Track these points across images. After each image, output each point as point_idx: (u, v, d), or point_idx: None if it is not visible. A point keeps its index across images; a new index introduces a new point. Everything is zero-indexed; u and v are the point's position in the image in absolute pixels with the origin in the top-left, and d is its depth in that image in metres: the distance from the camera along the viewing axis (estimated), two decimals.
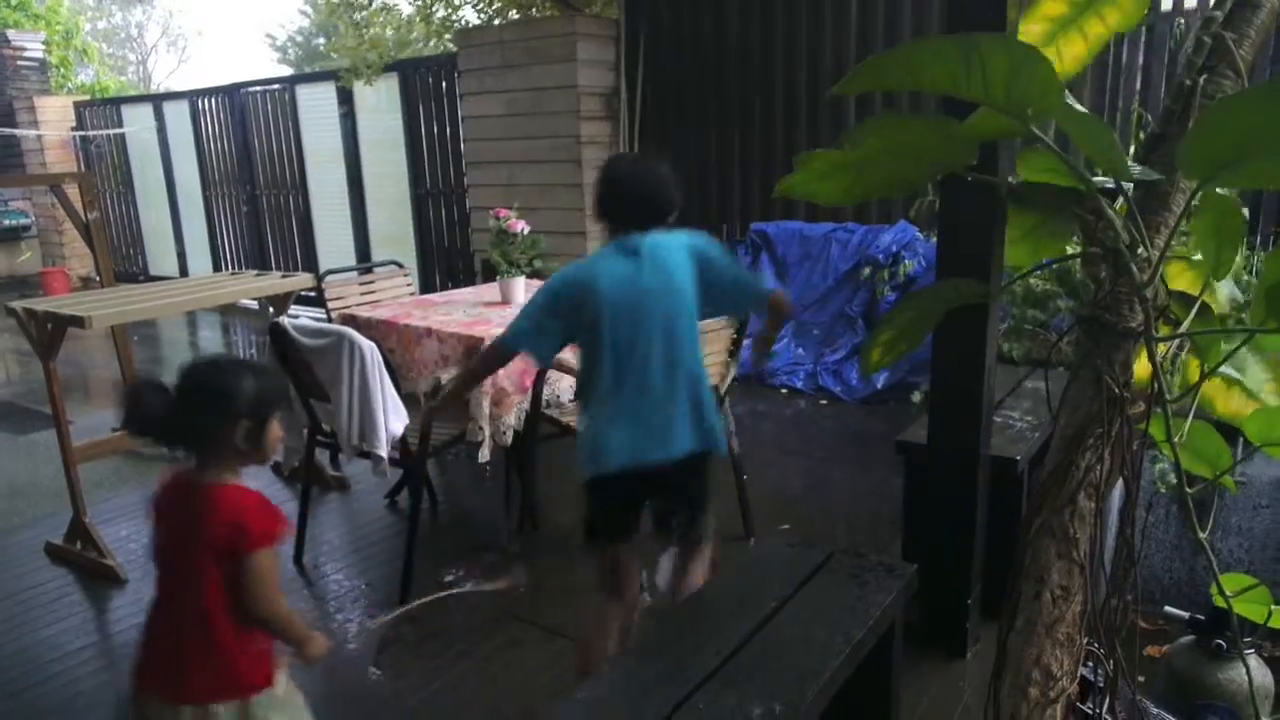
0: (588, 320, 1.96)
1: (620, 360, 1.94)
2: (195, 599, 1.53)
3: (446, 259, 7.28)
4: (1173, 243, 1.24)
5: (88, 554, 3.12)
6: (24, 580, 3.07)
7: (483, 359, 2.22)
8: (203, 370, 1.62)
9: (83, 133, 10.16)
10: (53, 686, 2.44)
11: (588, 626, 2.11)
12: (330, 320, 3.33)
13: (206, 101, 8.95)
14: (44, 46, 10.96)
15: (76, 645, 2.63)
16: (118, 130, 9.91)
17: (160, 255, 10.12)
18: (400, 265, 4.13)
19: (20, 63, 10.55)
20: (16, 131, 10.06)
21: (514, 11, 6.84)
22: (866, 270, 4.91)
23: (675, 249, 2.08)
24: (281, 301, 3.64)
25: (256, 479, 3.88)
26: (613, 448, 1.96)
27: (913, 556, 2.32)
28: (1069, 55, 1.24)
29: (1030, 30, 1.23)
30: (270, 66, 24.50)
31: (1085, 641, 1.42)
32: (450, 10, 7.14)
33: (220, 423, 1.56)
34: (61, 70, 11.53)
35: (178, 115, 9.28)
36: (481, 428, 2.76)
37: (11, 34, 10.66)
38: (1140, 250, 1.19)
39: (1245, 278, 3.07)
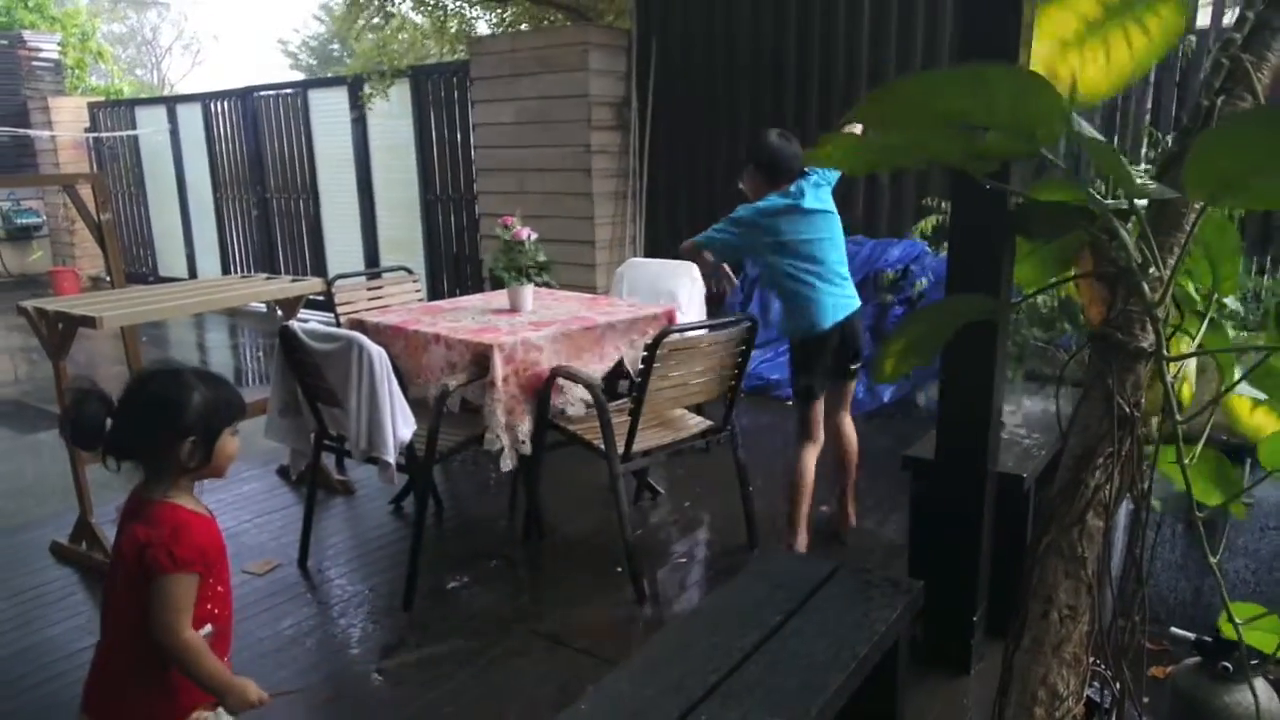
0: (773, 238, 2.83)
1: (811, 257, 2.84)
2: (121, 620, 1.48)
3: (455, 265, 7.30)
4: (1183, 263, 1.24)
5: (93, 554, 3.13)
6: (30, 579, 3.08)
7: (682, 252, 3.17)
8: (148, 381, 1.52)
9: (96, 134, 10.22)
10: (57, 686, 2.44)
11: (797, 471, 2.99)
12: (339, 325, 3.34)
13: (219, 105, 9.01)
14: (59, 48, 11.04)
15: (82, 645, 2.63)
16: (131, 132, 9.98)
17: (170, 257, 10.17)
18: (409, 271, 4.14)
19: (35, 63, 10.64)
20: (31, 132, 10.13)
21: (525, 24, 6.89)
22: (888, 286, 4.92)
23: (816, 185, 2.88)
24: (291, 305, 3.65)
25: (262, 480, 3.89)
26: (825, 313, 2.85)
27: (917, 572, 2.31)
28: (1087, 77, 1.24)
29: (1063, 28, 1.22)
30: (283, 72, 24.65)
31: (1091, 661, 1.41)
32: (463, 23, 7.19)
33: (165, 437, 1.46)
34: (76, 72, 11.61)
35: (190, 118, 9.33)
36: (499, 436, 2.76)
37: (27, 34, 10.75)
38: (1152, 270, 1.20)
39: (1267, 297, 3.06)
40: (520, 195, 6.00)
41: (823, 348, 2.90)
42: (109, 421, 1.45)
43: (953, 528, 2.27)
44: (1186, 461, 1.24)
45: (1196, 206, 1.25)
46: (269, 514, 3.57)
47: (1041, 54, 1.23)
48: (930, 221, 4.50)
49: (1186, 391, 1.44)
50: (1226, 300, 1.32)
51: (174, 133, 9.55)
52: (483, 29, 7.40)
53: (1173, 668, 2.26)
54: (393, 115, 7.43)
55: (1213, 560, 1.24)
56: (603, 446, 2.75)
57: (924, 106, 0.92)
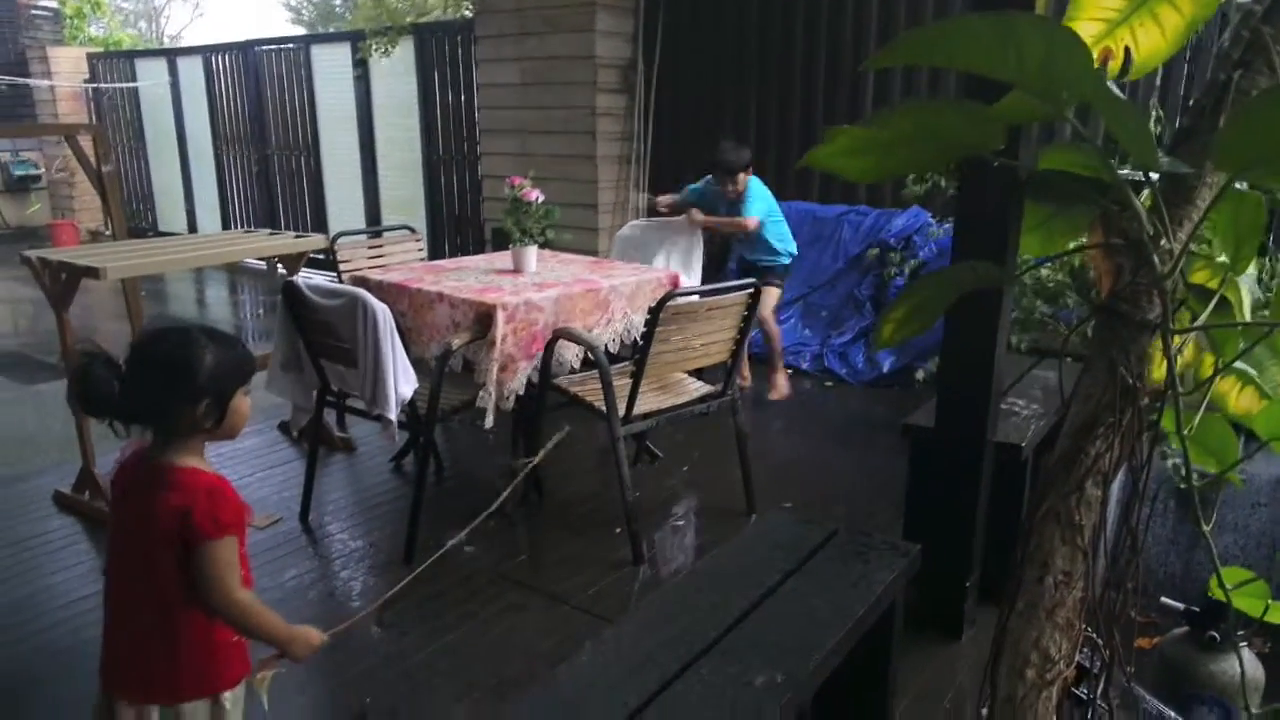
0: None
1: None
2: (153, 591, 1.42)
3: (456, 225, 7.27)
4: (1194, 241, 1.24)
5: (95, 503, 3.15)
6: (32, 528, 3.10)
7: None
8: (158, 341, 1.44)
9: (95, 85, 10.11)
10: (59, 632, 2.48)
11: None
12: (341, 282, 3.34)
13: (221, 58, 8.90)
14: (58, 1, 10.88)
15: (84, 593, 2.67)
16: (130, 84, 9.86)
17: (170, 211, 10.11)
18: (412, 230, 4.13)
19: (34, 12, 10.49)
20: (30, 81, 10.02)
21: None
22: (875, 251, 4.91)
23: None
24: (293, 262, 3.65)
25: (263, 435, 3.91)
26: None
27: (913, 538, 2.33)
28: (1145, 46, 1.23)
29: (1098, 9, 1.22)
30: (285, 27, 24.30)
31: (1083, 628, 1.44)
32: None
33: (178, 400, 1.40)
34: (75, 22, 11.45)
35: (191, 71, 9.23)
36: (489, 393, 2.78)
37: None
38: (1163, 242, 1.20)
39: (1268, 278, 3.06)
40: (524, 157, 5.96)
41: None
42: (116, 385, 1.38)
43: (950, 495, 2.30)
44: (1186, 432, 1.26)
45: (1212, 181, 1.25)
46: (270, 469, 3.59)
47: (1089, 34, 1.23)
48: (924, 186, 4.46)
49: (1190, 352, 1.45)
50: (1239, 280, 1.32)
51: (174, 86, 9.44)
52: None
53: (1160, 638, 2.30)
54: (396, 73, 7.36)
55: (1205, 529, 1.26)
56: (604, 408, 2.77)
57: (949, 54, 0.91)
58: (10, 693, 2.27)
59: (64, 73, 10.11)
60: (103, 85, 10.06)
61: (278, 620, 1.46)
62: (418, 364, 2.88)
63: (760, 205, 4.22)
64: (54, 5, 10.75)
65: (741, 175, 4.15)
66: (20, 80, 9.93)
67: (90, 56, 10.30)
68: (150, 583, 1.42)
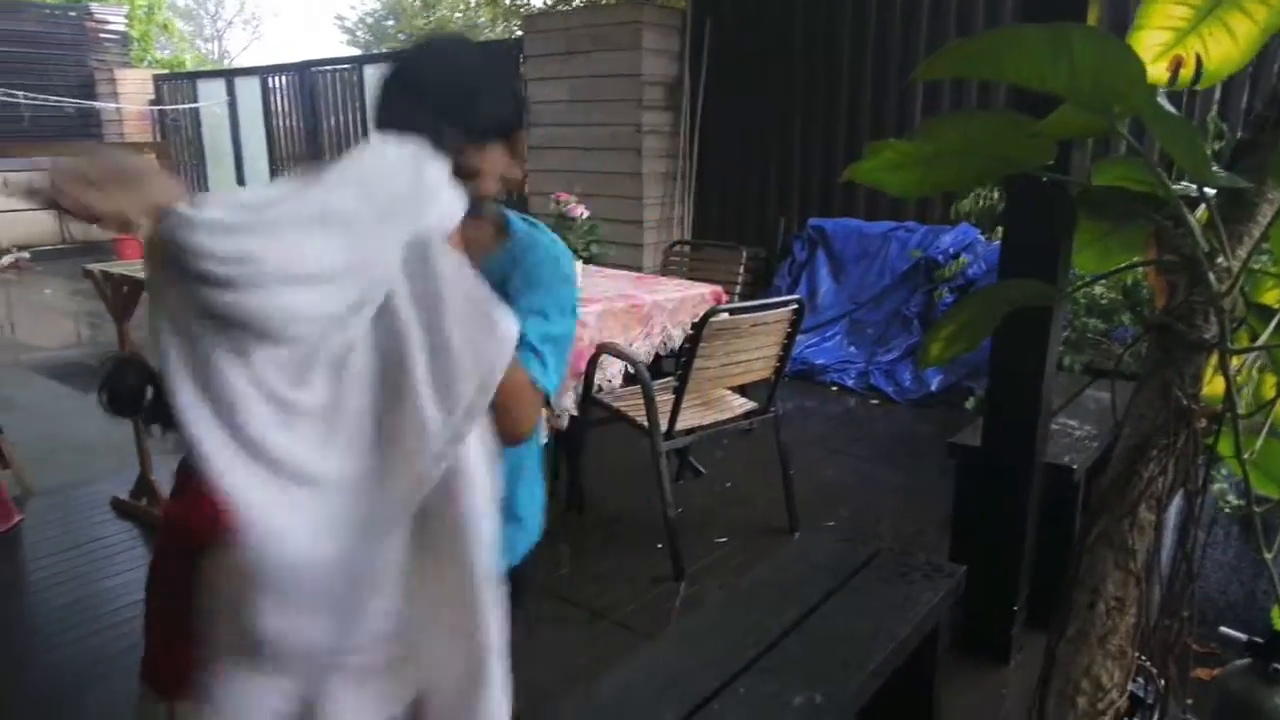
0: None
1: None
2: (175, 586, 1.42)
3: None
4: (1260, 257, 1.21)
5: (153, 510, 3.24)
6: (89, 533, 3.20)
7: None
8: None
9: (160, 106, 10.46)
10: (112, 635, 2.54)
11: None
12: None
13: (277, 79, 9.16)
14: (126, 20, 11.30)
15: (137, 597, 2.73)
16: (192, 105, 10.19)
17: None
18: None
19: (103, 35, 10.90)
20: (97, 103, 10.41)
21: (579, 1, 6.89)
22: (918, 252, 4.86)
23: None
24: None
25: None
26: None
27: (959, 560, 2.29)
28: (1216, 54, 1.21)
29: (1167, 18, 1.20)
30: (339, 47, 24.96)
31: (1137, 657, 1.39)
32: None
33: None
34: (142, 44, 11.88)
35: (249, 91, 9.50)
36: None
37: (95, 7, 11.01)
38: (1220, 260, 1.17)
39: None
40: (570, 173, 6.02)
41: None
42: (149, 390, 1.40)
43: (998, 516, 2.25)
44: (1247, 456, 1.22)
45: (1275, 197, 1.22)
46: None
47: (1159, 43, 1.21)
48: (970, 202, 4.40)
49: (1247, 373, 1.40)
50: None
51: (232, 105, 9.73)
52: (536, 2, 7.41)
53: (1220, 670, 2.21)
54: None
55: (1268, 555, 1.22)
56: (646, 424, 2.76)
57: (999, 64, 0.89)
58: (66, 692, 2.33)
59: (130, 94, 10.49)
60: (166, 106, 10.41)
61: None
62: None
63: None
64: (122, 28, 11.17)
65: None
66: (88, 103, 10.32)
67: (156, 78, 10.67)
68: (172, 579, 1.47)
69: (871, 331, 5.06)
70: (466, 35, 1.44)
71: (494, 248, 1.30)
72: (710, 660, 1.37)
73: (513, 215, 1.36)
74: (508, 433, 1.10)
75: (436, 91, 1.13)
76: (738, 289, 3.79)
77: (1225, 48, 1.21)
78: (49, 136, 10.08)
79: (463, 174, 1.04)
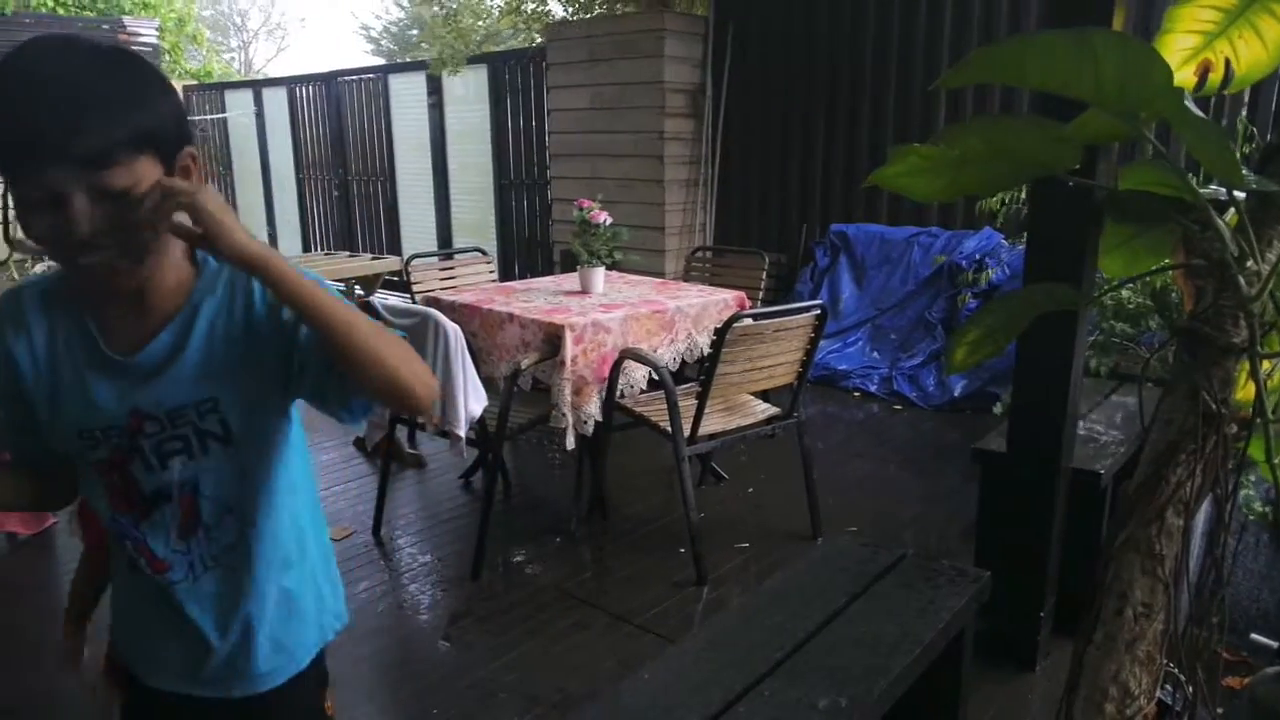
0: None
1: None
2: None
3: (526, 248, 7.41)
4: None
5: None
6: None
7: None
8: None
9: (190, 117, 10.62)
10: None
11: None
12: (414, 302, 3.43)
13: (304, 89, 9.27)
14: (158, 33, 11.49)
15: None
16: (220, 115, 10.35)
17: (254, 234, 10.52)
18: (483, 252, 4.22)
19: (135, 48, 11.09)
20: None
21: (600, 6, 6.92)
22: (942, 258, 4.83)
23: None
24: (370, 282, 3.77)
25: (339, 451, 4.03)
26: None
27: (985, 566, 2.28)
28: (1246, 58, 1.20)
29: (1194, 21, 1.20)
30: (363, 57, 25.22)
31: (1165, 663, 1.38)
32: (539, 3, 7.26)
33: None
34: (173, 56, 12.09)
35: (276, 101, 9.63)
36: (565, 415, 2.82)
37: (128, 20, 11.21)
38: (1249, 264, 1.16)
39: None
40: (593, 180, 6.05)
41: None
42: None
43: (1023, 522, 2.24)
44: (1278, 460, 1.21)
45: None
46: (345, 483, 3.70)
47: (1187, 47, 1.20)
48: (996, 202, 4.36)
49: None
50: None
51: (259, 115, 9.87)
52: (557, 9, 7.46)
53: (1250, 678, 2.19)
54: (468, 101, 7.56)
55: None
56: (669, 429, 2.78)
57: (1023, 70, 0.89)
58: None
59: None
60: (195, 117, 10.58)
61: None
62: (488, 383, 2.94)
63: None
64: (154, 41, 11.36)
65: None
66: None
67: (185, 89, 10.85)
68: None
69: (895, 337, 5.04)
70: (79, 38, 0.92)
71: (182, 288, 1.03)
72: (735, 663, 1.37)
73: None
74: (422, 389, 1.02)
75: (53, 89, 0.85)
76: (760, 295, 3.80)
77: (1255, 52, 1.21)
78: None
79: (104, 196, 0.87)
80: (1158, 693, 1.40)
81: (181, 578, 1.07)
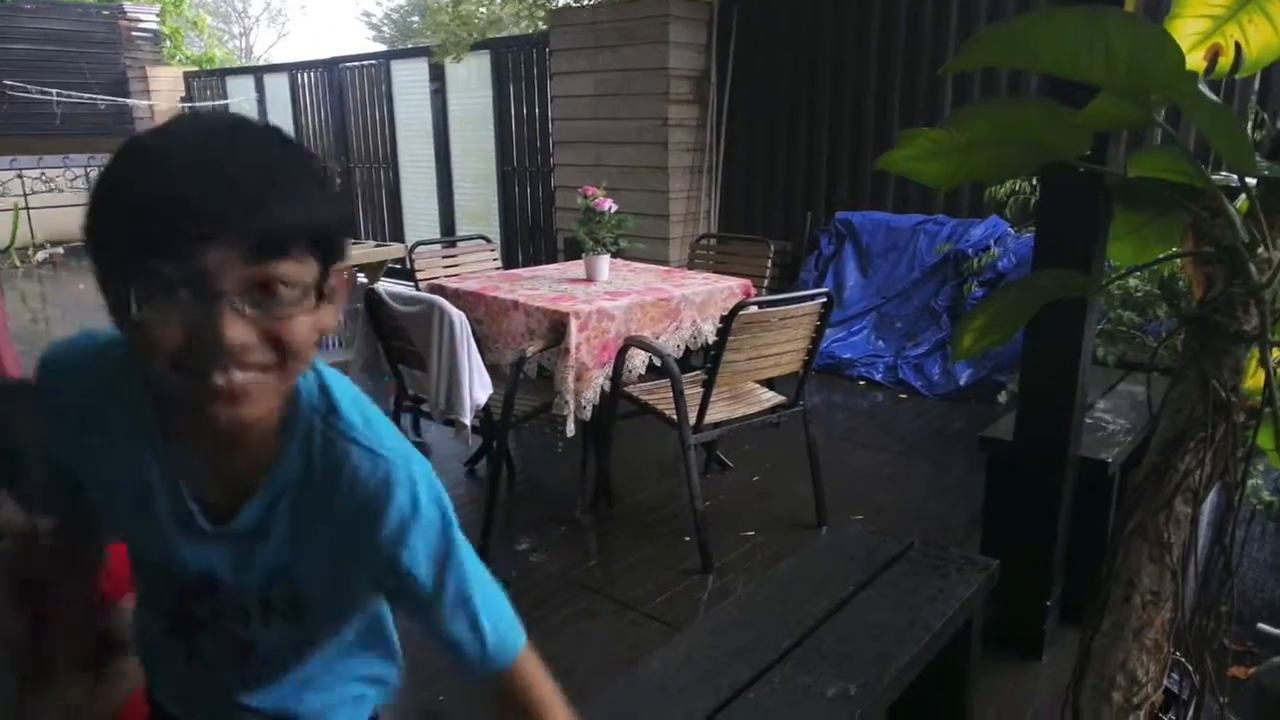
0: None
1: None
2: None
3: (529, 236, 7.39)
4: None
5: None
6: None
7: None
8: None
9: (191, 104, 10.60)
10: None
11: None
12: (418, 290, 3.43)
13: (305, 75, 9.24)
14: (158, 18, 11.46)
15: None
16: (222, 101, 10.32)
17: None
18: (487, 240, 4.22)
19: (135, 34, 11.06)
20: (130, 101, 10.56)
21: None
22: (947, 246, 4.82)
23: None
24: (374, 270, 3.76)
25: None
26: None
27: (990, 555, 2.28)
28: (1257, 41, 1.19)
29: (1205, 5, 1.18)
30: (365, 43, 25.15)
31: (1171, 651, 1.39)
32: None
33: None
34: (173, 41, 12.05)
35: (277, 88, 9.60)
36: (567, 401, 2.82)
37: (128, 6, 11.18)
38: (1260, 250, 1.15)
39: None
40: (596, 168, 6.03)
41: None
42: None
43: (1030, 511, 2.24)
44: None
45: None
46: None
47: (1196, 31, 1.19)
48: (1004, 190, 4.34)
49: None
50: None
51: (261, 102, 9.84)
52: None
53: (1256, 668, 2.19)
54: (471, 87, 7.53)
55: None
56: (674, 417, 2.77)
57: (1033, 52, 0.88)
58: None
59: (163, 91, 10.64)
60: (197, 103, 10.55)
61: None
62: (493, 370, 2.94)
63: None
64: (155, 26, 11.33)
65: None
66: (121, 100, 10.48)
67: (187, 75, 10.82)
68: None
69: (900, 325, 5.03)
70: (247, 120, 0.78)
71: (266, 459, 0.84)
72: (744, 651, 1.38)
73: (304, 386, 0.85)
74: None
75: (228, 158, 0.70)
76: (765, 283, 3.79)
77: (1265, 35, 1.19)
78: (81, 134, 10.25)
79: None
80: (1165, 681, 1.40)
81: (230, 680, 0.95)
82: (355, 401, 0.87)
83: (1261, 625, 2.12)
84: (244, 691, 0.94)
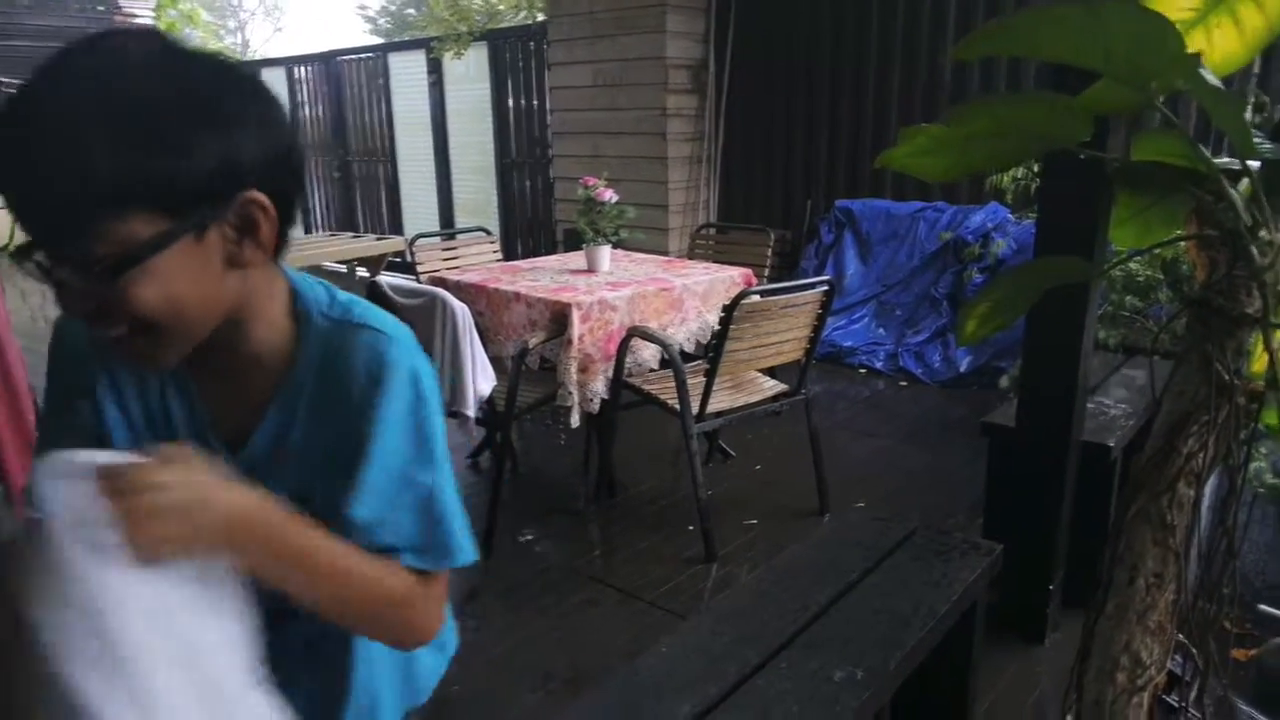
0: None
1: None
2: None
3: (529, 228, 7.39)
4: None
5: None
6: None
7: None
8: None
9: None
10: None
11: None
12: (420, 283, 3.43)
13: (303, 69, 9.21)
14: (154, 12, 11.41)
15: None
16: None
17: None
18: (487, 232, 4.22)
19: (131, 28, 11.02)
20: None
21: None
22: (947, 234, 4.82)
23: None
24: (373, 263, 3.76)
25: None
26: None
27: (993, 540, 2.30)
28: (1221, 48, 1.19)
29: (1175, 8, 1.18)
30: (361, 37, 25.07)
31: (1175, 633, 1.40)
32: None
33: None
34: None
35: (274, 82, 9.56)
36: (570, 393, 2.83)
37: (123, 1, 11.14)
38: (1263, 233, 1.16)
39: None
40: (595, 159, 6.02)
41: None
42: None
43: (1032, 496, 2.25)
44: None
45: None
46: None
47: None
48: (1007, 178, 4.33)
49: None
50: None
51: None
52: None
53: (1257, 649, 2.20)
54: (469, 79, 7.51)
55: None
56: (677, 406, 2.78)
57: (1034, 42, 0.89)
58: None
59: None
60: None
61: None
62: (495, 362, 2.94)
63: None
64: (150, 21, 11.29)
65: None
66: None
67: None
68: None
69: (900, 313, 5.03)
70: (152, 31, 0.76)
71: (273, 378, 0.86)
72: (750, 637, 1.39)
73: (312, 299, 0.89)
74: (401, 642, 0.93)
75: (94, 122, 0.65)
76: (766, 272, 3.79)
77: (1230, 42, 1.20)
78: None
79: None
80: (1168, 663, 1.41)
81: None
82: (361, 302, 0.92)
83: (1262, 606, 2.13)
84: (287, 650, 0.91)
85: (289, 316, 0.87)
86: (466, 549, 0.94)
